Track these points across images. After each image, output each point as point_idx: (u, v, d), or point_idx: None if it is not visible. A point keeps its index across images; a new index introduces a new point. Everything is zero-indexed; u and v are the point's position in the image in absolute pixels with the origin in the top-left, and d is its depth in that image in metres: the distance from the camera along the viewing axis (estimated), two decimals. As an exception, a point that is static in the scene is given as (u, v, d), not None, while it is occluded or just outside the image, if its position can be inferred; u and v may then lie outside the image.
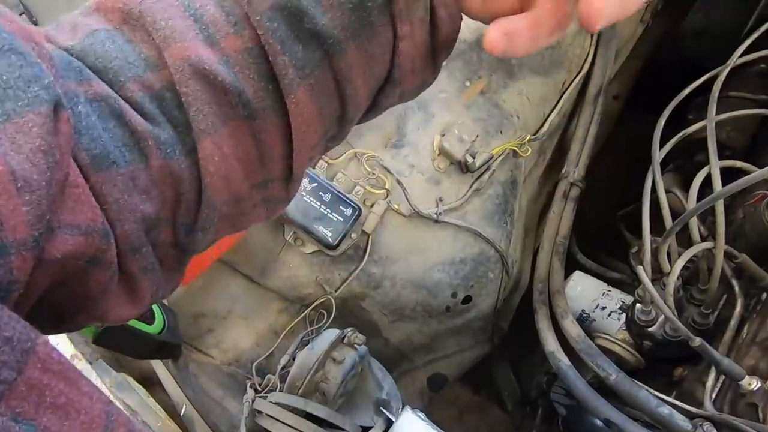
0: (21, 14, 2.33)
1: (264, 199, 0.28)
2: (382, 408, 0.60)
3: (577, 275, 0.87)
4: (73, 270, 0.20)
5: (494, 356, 0.90)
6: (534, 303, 0.77)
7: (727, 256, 0.60)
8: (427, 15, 0.25)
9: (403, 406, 0.51)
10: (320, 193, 0.62)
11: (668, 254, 0.60)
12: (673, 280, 0.57)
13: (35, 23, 2.46)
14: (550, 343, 0.69)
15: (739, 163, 0.62)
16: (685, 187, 0.79)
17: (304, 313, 0.71)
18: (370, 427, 0.58)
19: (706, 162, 0.78)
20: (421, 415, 0.47)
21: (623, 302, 0.81)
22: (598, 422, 0.67)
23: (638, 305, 0.67)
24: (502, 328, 0.87)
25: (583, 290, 0.84)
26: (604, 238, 1.00)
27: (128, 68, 0.23)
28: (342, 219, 0.62)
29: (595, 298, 0.83)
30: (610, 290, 0.84)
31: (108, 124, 0.22)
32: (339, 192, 0.63)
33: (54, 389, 0.17)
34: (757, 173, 0.45)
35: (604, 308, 0.82)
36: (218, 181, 0.24)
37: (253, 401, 0.53)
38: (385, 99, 0.28)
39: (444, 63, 0.47)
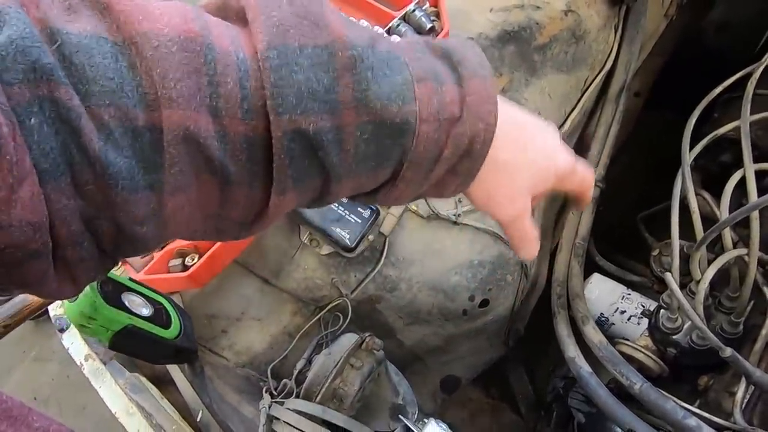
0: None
1: (217, 229, 0.29)
2: (399, 414, 0.58)
3: (596, 278, 0.85)
4: (11, 259, 0.21)
5: (509, 359, 0.89)
6: (552, 307, 0.76)
7: (760, 263, 0.57)
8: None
9: (425, 415, 0.49)
10: (338, 193, 0.61)
11: (698, 265, 0.58)
12: (703, 288, 0.55)
13: None
14: (571, 349, 0.67)
15: (774, 166, 0.60)
16: (708, 188, 0.77)
17: (318, 315, 0.70)
18: (387, 433, 0.57)
19: (732, 162, 0.75)
20: (444, 426, 0.45)
21: (643, 306, 0.79)
22: (619, 430, 0.65)
23: (663, 311, 0.65)
24: (518, 331, 0.85)
25: (602, 293, 0.82)
26: (622, 239, 0.98)
27: (117, 95, 0.21)
28: (360, 221, 0.60)
29: (614, 301, 0.81)
30: (629, 294, 0.82)
31: (62, 137, 0.21)
32: (357, 193, 0.62)
33: None
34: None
35: (623, 312, 0.80)
36: (176, 225, 0.25)
37: (269, 407, 0.52)
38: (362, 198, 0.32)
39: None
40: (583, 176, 0.35)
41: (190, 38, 0.22)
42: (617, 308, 0.80)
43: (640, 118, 1.06)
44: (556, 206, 0.97)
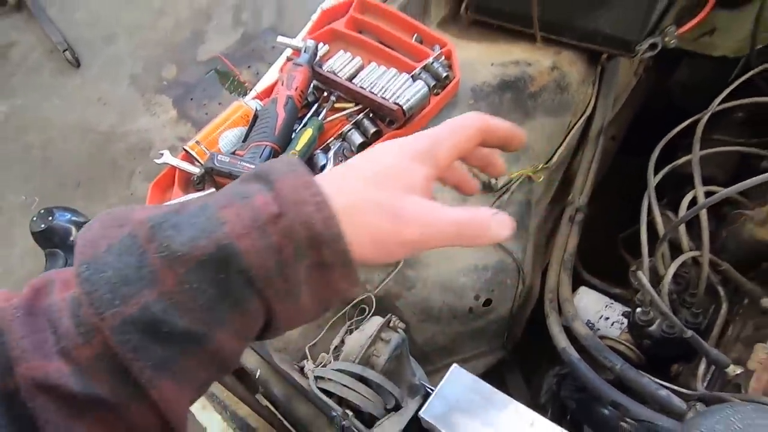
0: (65, 51, 2.57)
1: None
2: (416, 393, 0.68)
3: (583, 290, 0.97)
4: None
5: (507, 362, 0.99)
6: (545, 309, 0.87)
7: (712, 266, 0.71)
8: (300, 294, 0.28)
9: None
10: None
11: (662, 261, 0.72)
12: (667, 281, 0.68)
13: (76, 59, 2.69)
14: (561, 341, 0.79)
15: (722, 189, 0.75)
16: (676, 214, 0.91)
17: (345, 309, 0.81)
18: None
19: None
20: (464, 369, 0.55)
21: (624, 312, 0.91)
22: (606, 412, 0.75)
23: (638, 308, 0.77)
24: (515, 335, 0.96)
25: (588, 303, 0.94)
26: (602, 264, 1.11)
27: None
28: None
29: (599, 309, 0.93)
30: (612, 303, 0.94)
31: None
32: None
33: None
34: (731, 188, 0.57)
35: (607, 318, 0.92)
36: None
37: (313, 371, 0.62)
38: (270, 335, 0.30)
39: (471, 102, 0.67)
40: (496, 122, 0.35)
41: (33, 304, 0.25)
42: (602, 315, 0.92)
43: (616, 160, 1.23)
44: (546, 232, 1.11)
